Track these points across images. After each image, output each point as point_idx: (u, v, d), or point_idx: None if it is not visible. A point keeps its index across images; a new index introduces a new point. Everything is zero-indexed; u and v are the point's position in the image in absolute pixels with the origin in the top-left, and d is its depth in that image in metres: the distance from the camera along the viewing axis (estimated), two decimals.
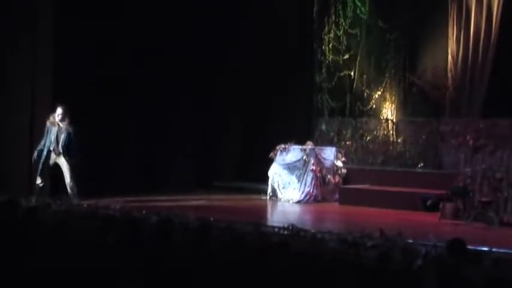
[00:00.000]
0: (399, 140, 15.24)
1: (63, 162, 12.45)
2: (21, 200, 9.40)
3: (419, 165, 14.62)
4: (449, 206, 11.94)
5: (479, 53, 14.22)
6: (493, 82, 13.89)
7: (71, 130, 12.39)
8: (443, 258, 6.19)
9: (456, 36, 14.57)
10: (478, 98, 14.21)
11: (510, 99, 12.78)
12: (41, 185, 12.34)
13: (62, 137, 12.38)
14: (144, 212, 10.18)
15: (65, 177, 12.47)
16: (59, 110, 12.37)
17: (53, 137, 12.41)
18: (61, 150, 12.39)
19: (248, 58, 16.16)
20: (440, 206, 12.14)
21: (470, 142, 13.74)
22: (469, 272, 5.33)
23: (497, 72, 13.81)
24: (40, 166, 12.39)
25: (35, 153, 12.40)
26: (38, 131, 13.02)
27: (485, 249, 7.76)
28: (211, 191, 15.50)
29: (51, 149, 12.44)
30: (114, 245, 5.74)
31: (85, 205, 10.83)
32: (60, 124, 12.41)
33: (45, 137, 12.45)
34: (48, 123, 12.47)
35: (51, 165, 12.51)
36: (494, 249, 7.86)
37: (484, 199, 11.55)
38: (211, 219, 9.40)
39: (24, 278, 5.32)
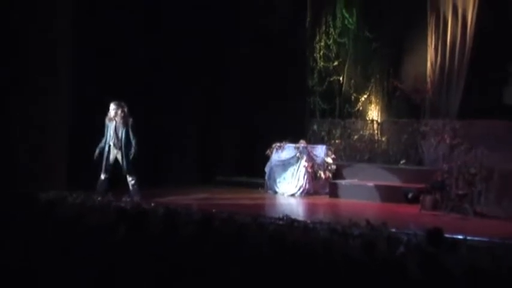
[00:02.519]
0: (383, 139, 15.27)
1: (122, 158, 12.02)
2: (39, 194, 9.38)
3: (401, 162, 14.64)
4: (428, 199, 11.96)
5: (456, 60, 14.20)
6: (469, 86, 13.89)
7: (129, 123, 12.00)
8: (423, 245, 6.19)
9: (434, 45, 14.55)
10: (454, 101, 14.20)
11: (484, 102, 12.80)
12: (103, 179, 11.89)
13: (120, 132, 11.98)
14: (152, 205, 10.18)
15: (125, 174, 12.06)
16: (112, 106, 12.00)
17: (111, 132, 11.95)
18: (121, 145, 11.98)
19: (250, 65, 16.14)
20: (421, 198, 12.16)
21: (448, 141, 13.75)
22: (446, 258, 5.33)
23: (472, 77, 13.82)
24: (103, 162, 11.94)
25: (97, 151, 11.93)
26: (51, 129, 12.95)
27: (461, 237, 7.77)
28: (215, 185, 15.52)
29: (111, 143, 11.99)
30: (125, 234, 5.72)
31: (99, 198, 10.77)
32: (116, 119, 12.01)
33: (105, 134, 12.02)
34: (106, 121, 12.02)
35: (113, 160, 12.05)
36: (469, 237, 7.88)
37: (459, 192, 11.56)
38: (214, 211, 9.42)
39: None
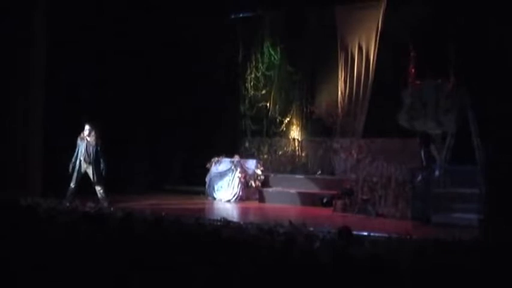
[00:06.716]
0: (303, 154, 15.38)
1: (92, 171, 11.89)
2: (20, 199, 9.19)
3: (317, 173, 14.77)
4: (339, 203, 12.11)
5: (361, 90, 14.43)
6: (370, 112, 14.12)
7: (98, 143, 11.91)
8: (335, 240, 6.27)
9: (344, 77, 14.76)
10: (359, 123, 14.41)
11: (382, 124, 13.02)
12: (73, 188, 11.75)
13: (91, 149, 11.87)
14: (112, 209, 10.04)
15: (94, 184, 11.93)
16: (86, 127, 11.93)
17: (82, 150, 11.85)
18: (91, 161, 11.86)
19: (196, 94, 16.06)
20: (333, 202, 12.30)
21: (354, 155, 13.95)
22: (353, 250, 5.42)
23: (373, 105, 14.06)
24: (74, 174, 11.79)
25: (70, 166, 11.79)
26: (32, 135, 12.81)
27: (365, 233, 7.90)
28: (164, 192, 15.37)
29: (82, 159, 11.86)
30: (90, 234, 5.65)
31: (67, 204, 10.59)
32: (88, 139, 11.89)
33: (76, 151, 11.89)
34: (78, 140, 11.93)
35: (82, 173, 11.90)
36: (372, 234, 8.01)
37: (364, 197, 11.74)
38: (163, 214, 9.35)
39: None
